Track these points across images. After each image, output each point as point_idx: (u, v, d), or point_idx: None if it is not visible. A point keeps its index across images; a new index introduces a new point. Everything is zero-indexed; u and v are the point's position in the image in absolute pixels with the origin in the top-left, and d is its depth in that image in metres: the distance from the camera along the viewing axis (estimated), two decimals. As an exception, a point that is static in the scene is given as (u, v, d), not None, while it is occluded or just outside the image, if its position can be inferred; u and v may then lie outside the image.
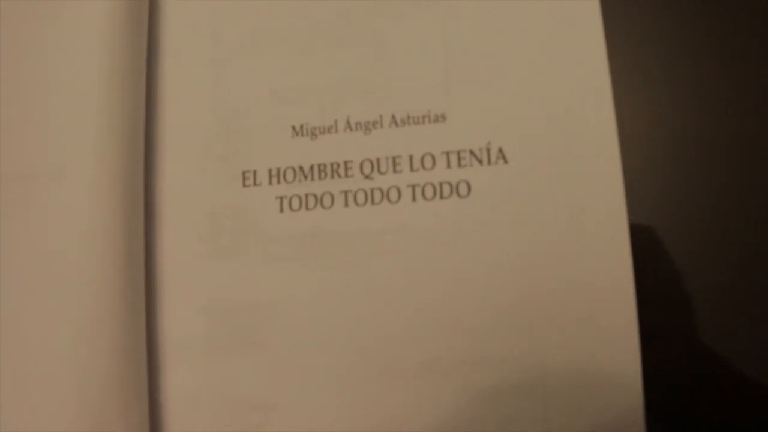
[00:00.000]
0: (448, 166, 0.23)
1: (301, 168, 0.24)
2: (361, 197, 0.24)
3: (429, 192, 0.23)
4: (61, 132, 0.24)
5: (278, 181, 0.24)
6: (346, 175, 0.24)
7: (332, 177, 0.24)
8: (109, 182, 0.23)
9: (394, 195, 0.24)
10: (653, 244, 0.24)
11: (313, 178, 0.24)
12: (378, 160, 0.24)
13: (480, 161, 0.23)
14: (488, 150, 0.23)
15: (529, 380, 0.22)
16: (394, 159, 0.24)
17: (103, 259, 0.23)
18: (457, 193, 0.23)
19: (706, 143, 0.24)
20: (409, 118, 0.24)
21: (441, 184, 0.23)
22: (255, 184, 0.25)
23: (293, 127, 0.25)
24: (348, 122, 0.24)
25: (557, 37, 0.23)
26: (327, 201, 0.24)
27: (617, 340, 0.21)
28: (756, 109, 0.25)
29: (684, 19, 0.26)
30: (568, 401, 0.21)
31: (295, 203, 0.24)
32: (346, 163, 0.24)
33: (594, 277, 0.22)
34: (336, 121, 0.24)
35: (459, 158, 0.23)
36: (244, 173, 0.25)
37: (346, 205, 0.24)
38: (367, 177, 0.24)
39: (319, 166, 0.24)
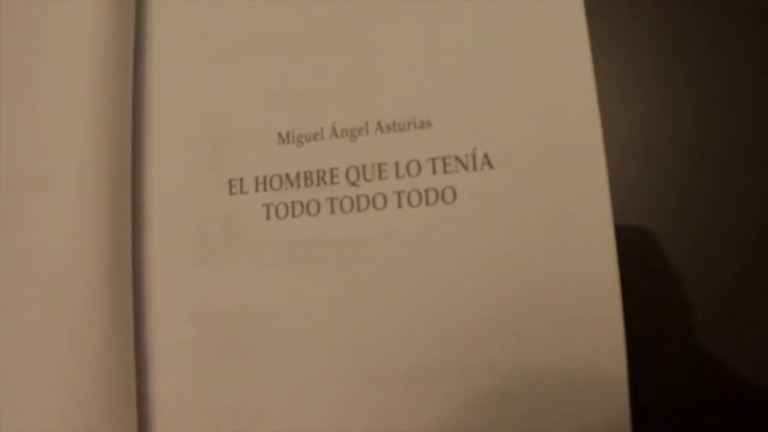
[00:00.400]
0: (434, 172, 0.23)
1: (287, 175, 0.24)
2: (347, 204, 0.24)
3: (415, 199, 0.23)
4: (47, 139, 0.24)
5: (265, 189, 0.24)
6: (332, 182, 0.24)
7: (318, 184, 0.24)
8: (97, 190, 0.23)
9: (380, 202, 0.24)
10: (644, 247, 0.24)
11: (299, 186, 0.24)
12: (364, 167, 0.24)
13: (465, 167, 0.23)
14: (474, 156, 0.23)
15: (516, 385, 0.22)
16: (379, 166, 0.24)
17: (90, 266, 0.23)
18: (443, 199, 0.23)
19: (694, 145, 0.24)
20: (394, 124, 0.24)
21: (426, 191, 0.23)
22: (242, 191, 0.25)
23: (279, 135, 0.25)
24: (334, 129, 0.24)
25: (542, 42, 0.23)
26: (313, 208, 0.24)
27: (603, 343, 0.21)
28: (746, 109, 0.24)
29: (669, 22, 0.25)
30: (555, 405, 0.22)
31: (282, 211, 0.24)
32: (332, 170, 0.24)
33: (580, 282, 0.22)
34: (322, 128, 0.24)
35: (444, 164, 0.23)
36: (230, 181, 0.25)
37: (332, 212, 0.24)
38: (352, 184, 0.24)
39: (305, 173, 0.24)
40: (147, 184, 0.25)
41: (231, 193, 0.25)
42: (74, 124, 0.24)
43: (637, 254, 0.23)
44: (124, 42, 0.25)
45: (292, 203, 0.24)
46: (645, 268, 0.24)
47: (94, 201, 0.23)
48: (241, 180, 0.25)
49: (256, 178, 0.25)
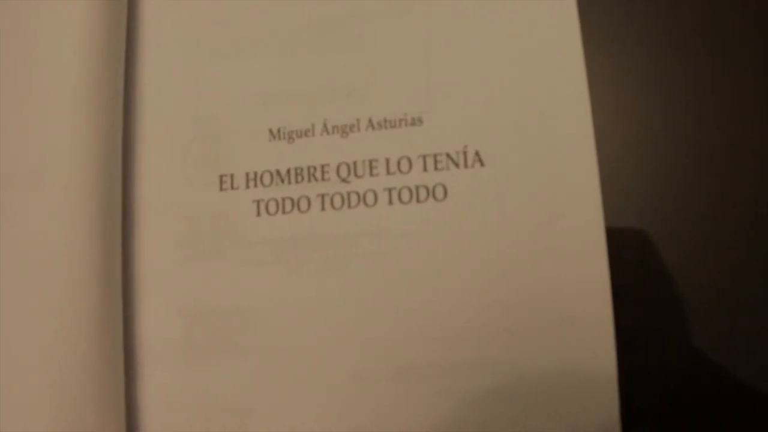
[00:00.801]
0: (425, 169, 0.23)
1: (278, 172, 0.24)
2: (337, 201, 0.24)
3: (405, 195, 0.23)
4: (37, 137, 0.24)
5: (255, 185, 0.24)
6: (323, 179, 0.24)
7: (309, 180, 0.24)
8: (87, 186, 0.23)
9: (370, 198, 0.24)
10: (636, 248, 0.24)
11: (290, 182, 0.24)
12: (355, 163, 0.24)
13: (456, 164, 0.23)
14: (465, 153, 0.23)
15: (506, 384, 0.22)
16: (370, 162, 0.24)
17: (80, 264, 0.22)
18: (434, 196, 0.23)
19: (688, 145, 0.24)
20: (386, 121, 0.24)
21: (417, 188, 0.23)
22: (232, 187, 0.25)
23: (270, 131, 0.25)
24: (325, 126, 0.24)
25: (534, 40, 0.24)
26: (304, 205, 0.24)
27: (593, 342, 0.21)
28: (741, 109, 0.24)
29: (664, 21, 0.25)
30: (545, 404, 0.21)
31: (272, 207, 0.24)
32: (322, 166, 0.24)
33: (570, 280, 0.22)
34: (313, 125, 0.24)
35: (436, 161, 0.23)
36: (221, 177, 0.25)
37: (323, 208, 0.24)
38: (343, 180, 0.24)
39: (296, 169, 0.24)
40: (138, 181, 0.25)
41: (221, 189, 0.25)
42: (65, 121, 0.23)
43: (629, 254, 0.23)
44: (116, 40, 0.25)
45: (283, 199, 0.24)
46: (637, 269, 0.24)
47: (84, 198, 0.23)
48: (232, 176, 0.25)
49: (247, 175, 0.24)
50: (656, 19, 0.25)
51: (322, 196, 0.24)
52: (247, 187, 0.24)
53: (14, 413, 0.22)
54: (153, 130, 0.25)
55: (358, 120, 0.24)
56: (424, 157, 0.24)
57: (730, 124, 0.24)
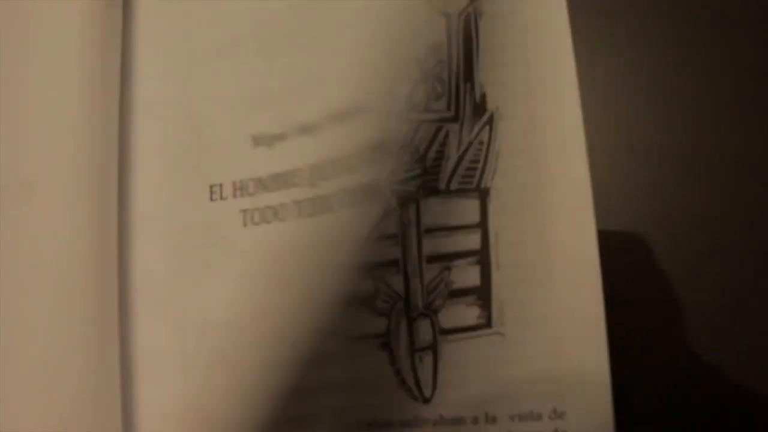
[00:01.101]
0: None
1: (260, 179, 0.23)
2: (308, 207, 0.23)
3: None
4: (32, 144, 0.24)
5: (241, 194, 0.24)
6: (295, 184, 0.23)
7: (287, 187, 0.23)
8: (82, 195, 0.23)
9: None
10: (631, 253, 0.24)
11: (270, 190, 0.23)
12: (321, 165, 0.23)
13: None
14: None
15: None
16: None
17: (74, 273, 0.23)
18: None
19: (684, 149, 0.24)
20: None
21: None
22: (221, 198, 0.24)
23: (253, 137, 0.24)
24: (297, 127, 0.23)
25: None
26: (282, 213, 0.23)
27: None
28: (736, 113, 0.24)
29: (659, 23, 0.25)
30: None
31: (257, 217, 0.23)
32: (294, 171, 0.23)
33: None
34: (289, 129, 0.23)
35: None
36: (211, 187, 0.24)
37: (299, 216, 0.23)
38: (312, 185, 0.23)
39: (275, 176, 0.23)
40: (132, 191, 0.25)
41: (211, 200, 0.24)
42: (60, 129, 0.24)
43: (625, 258, 0.23)
44: (110, 48, 0.25)
45: (265, 208, 0.23)
46: (633, 272, 0.23)
47: (78, 208, 0.23)
48: (221, 186, 0.24)
49: (234, 183, 0.24)
50: (651, 20, 0.25)
51: (299, 203, 0.23)
52: (234, 196, 0.24)
53: (7, 423, 0.22)
54: (145, 138, 0.25)
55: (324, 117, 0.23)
56: None
57: (726, 128, 0.24)
